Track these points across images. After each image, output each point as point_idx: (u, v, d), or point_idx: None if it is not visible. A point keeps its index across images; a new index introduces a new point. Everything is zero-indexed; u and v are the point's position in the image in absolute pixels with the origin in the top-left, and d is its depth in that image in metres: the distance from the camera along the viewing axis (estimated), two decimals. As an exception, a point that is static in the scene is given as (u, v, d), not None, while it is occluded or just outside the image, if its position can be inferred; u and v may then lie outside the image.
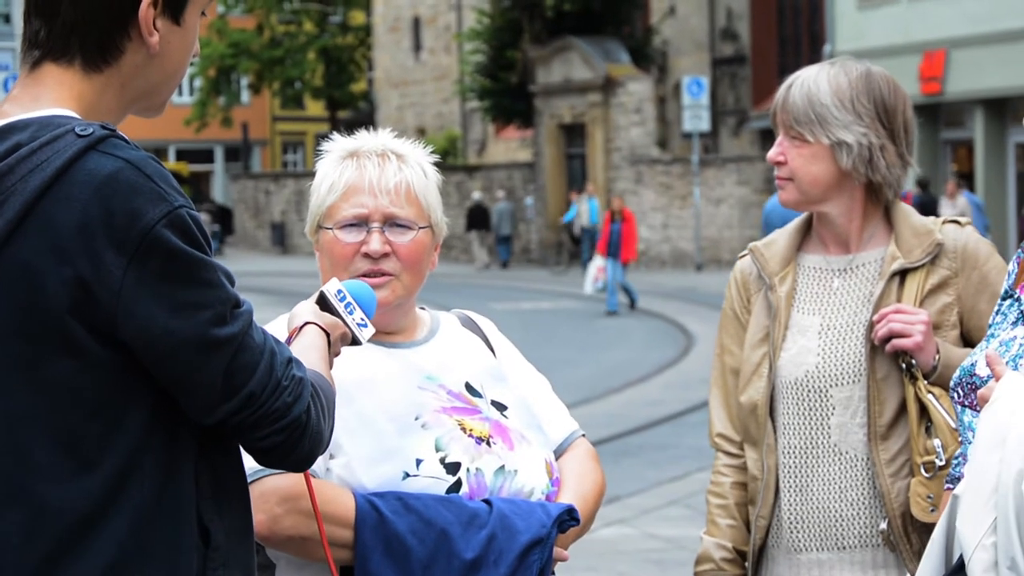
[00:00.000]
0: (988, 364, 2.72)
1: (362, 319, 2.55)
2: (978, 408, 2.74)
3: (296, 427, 2.19)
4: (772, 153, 3.44)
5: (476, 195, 40.67)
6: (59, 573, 2.11)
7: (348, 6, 56.92)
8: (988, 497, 2.52)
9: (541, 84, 39.46)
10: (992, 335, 2.89)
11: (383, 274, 2.88)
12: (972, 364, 2.86)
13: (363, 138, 2.98)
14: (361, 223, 2.90)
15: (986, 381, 2.76)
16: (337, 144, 2.99)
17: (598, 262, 26.57)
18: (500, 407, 2.95)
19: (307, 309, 2.50)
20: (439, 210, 2.98)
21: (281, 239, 49.24)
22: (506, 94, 40.89)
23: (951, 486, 2.98)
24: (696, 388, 16.07)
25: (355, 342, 2.54)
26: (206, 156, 63.82)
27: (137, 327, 2.10)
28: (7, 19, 58.02)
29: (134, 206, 2.08)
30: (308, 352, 2.38)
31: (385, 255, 2.88)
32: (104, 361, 2.12)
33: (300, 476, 2.70)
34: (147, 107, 2.31)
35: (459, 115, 51.79)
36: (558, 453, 3.01)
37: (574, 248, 37.82)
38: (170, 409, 2.17)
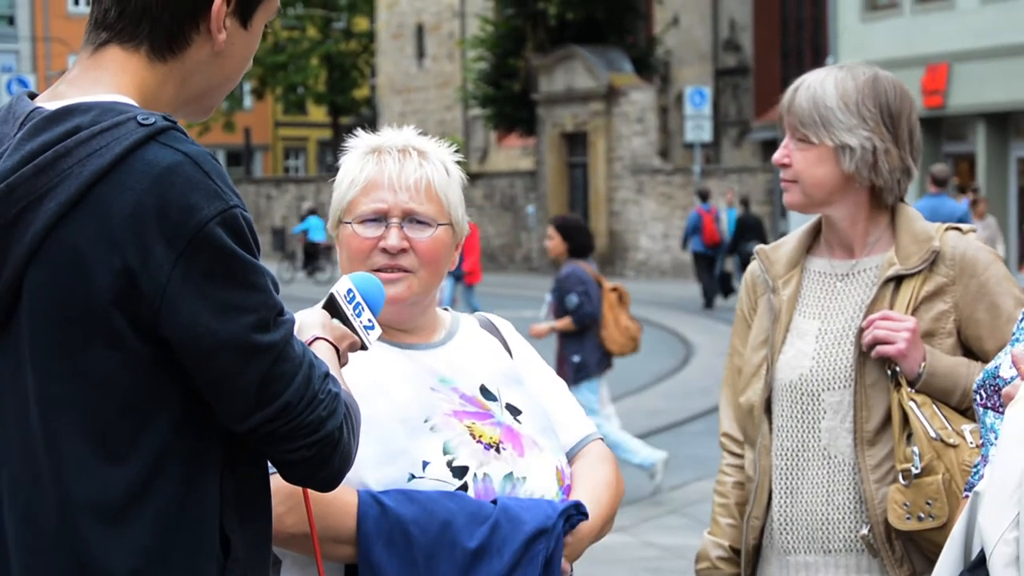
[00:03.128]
0: (1014, 363, 2.72)
1: (369, 320, 2.52)
2: (1002, 409, 2.74)
3: (328, 443, 2.17)
4: (777, 155, 3.45)
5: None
6: (90, 567, 2.10)
7: (352, 12, 56.95)
8: (1012, 492, 2.51)
9: (544, 92, 39.47)
10: (1017, 339, 2.89)
11: (400, 269, 2.88)
12: (996, 367, 2.84)
13: (386, 134, 2.98)
14: (380, 218, 2.89)
15: (1010, 382, 2.76)
16: (361, 140, 2.98)
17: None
18: (514, 411, 2.94)
19: (315, 320, 2.45)
20: (460, 209, 2.97)
21: (282, 244, 49.19)
22: (509, 102, 40.89)
23: (968, 493, 2.98)
24: (696, 398, 16.07)
25: (361, 346, 2.52)
26: (208, 160, 63.80)
27: (179, 324, 2.08)
28: (11, 21, 58.05)
29: (190, 201, 2.07)
30: None
31: (403, 251, 2.87)
32: (141, 357, 2.09)
33: None
34: (198, 109, 2.30)
35: (461, 122, 51.79)
36: (572, 456, 2.99)
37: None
38: (200, 414, 2.14)
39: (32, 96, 2.23)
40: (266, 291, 2.12)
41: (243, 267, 2.10)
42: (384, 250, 2.87)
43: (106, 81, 2.18)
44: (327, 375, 2.19)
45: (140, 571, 2.10)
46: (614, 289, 11.22)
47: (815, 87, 3.40)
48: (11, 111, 2.19)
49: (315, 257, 37.55)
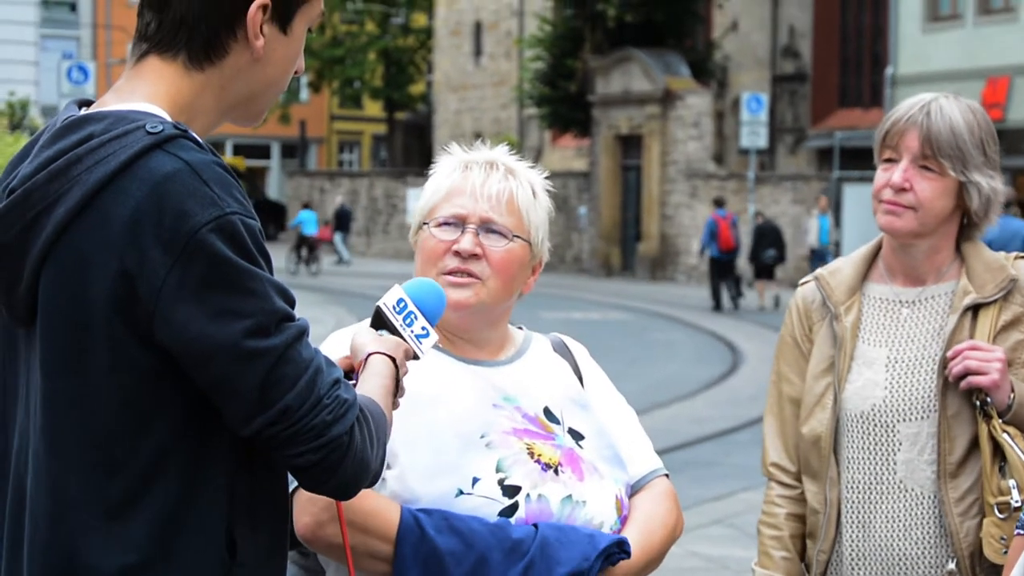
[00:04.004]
0: None
1: (423, 328, 2.50)
2: None
3: (335, 448, 2.15)
4: (897, 178, 3.30)
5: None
6: (80, 565, 2.12)
7: (410, 8, 57.08)
8: None
9: (600, 94, 39.41)
10: None
11: (469, 275, 2.85)
12: None
13: (478, 150, 2.98)
14: (458, 223, 2.88)
15: None
16: (452, 156, 2.98)
17: None
18: (577, 436, 2.89)
19: (365, 339, 2.46)
20: (542, 231, 2.95)
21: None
22: (564, 102, 40.87)
23: (1021, 531, 2.90)
24: (744, 406, 15.98)
25: (414, 356, 2.49)
26: (263, 152, 64.13)
27: (174, 328, 2.10)
28: (73, 8, 58.49)
29: (184, 208, 2.09)
30: (370, 380, 2.35)
31: (475, 256, 2.85)
32: (141, 362, 2.12)
33: None
34: (244, 115, 2.33)
35: (516, 121, 51.79)
36: (636, 489, 2.94)
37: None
38: (204, 419, 2.16)
39: (86, 104, 2.28)
40: (264, 297, 2.13)
41: (239, 273, 2.11)
42: (456, 253, 2.85)
43: (142, 90, 2.23)
44: (337, 381, 2.18)
45: (135, 571, 2.12)
46: None
47: (950, 116, 3.29)
48: (55, 119, 2.26)
49: (312, 249, 38.67)
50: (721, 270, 29.41)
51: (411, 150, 61.83)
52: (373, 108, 61.49)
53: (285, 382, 2.12)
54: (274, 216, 56.24)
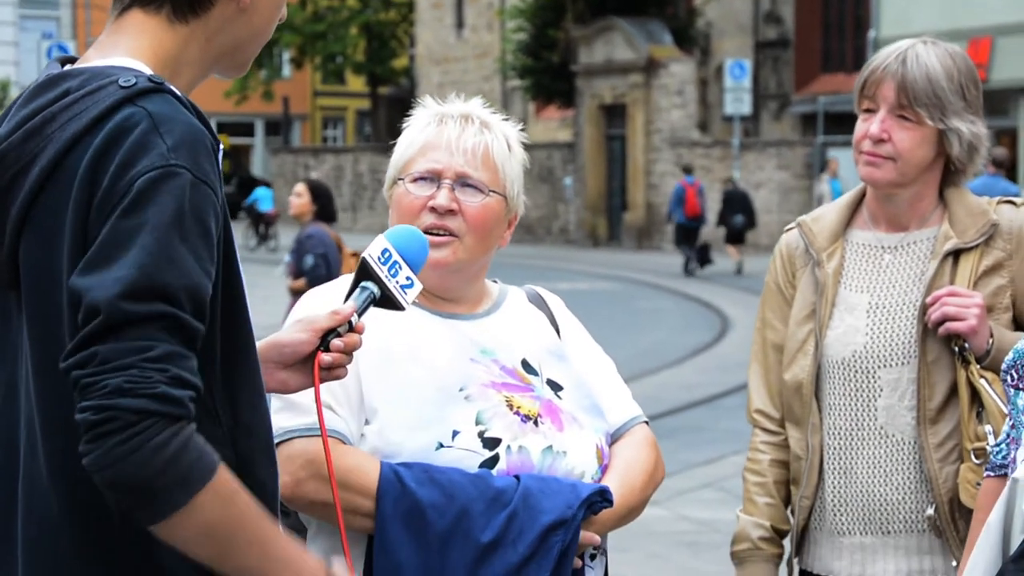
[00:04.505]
0: None
1: (408, 279, 2.48)
2: None
3: (111, 420, 1.95)
4: (875, 129, 3.29)
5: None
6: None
7: (391, -18, 56.88)
8: None
9: (583, 64, 39.35)
10: None
11: (447, 232, 2.84)
12: None
13: (452, 104, 2.96)
14: (433, 178, 2.86)
15: None
16: (426, 109, 2.96)
17: None
18: (555, 387, 2.89)
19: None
20: (517, 185, 2.93)
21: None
22: (547, 73, 40.79)
23: (991, 473, 2.91)
24: (732, 371, 16.01)
25: (397, 307, 2.48)
26: (246, 129, 63.93)
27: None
28: (52, -12, 58.16)
29: (130, 159, 2.02)
30: (262, 523, 2.10)
31: (451, 212, 2.84)
32: None
33: (329, 441, 2.68)
34: (231, 64, 2.28)
35: (500, 93, 51.70)
36: (616, 437, 2.94)
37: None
38: None
39: (70, 61, 2.22)
40: (160, 259, 2.00)
41: (147, 225, 2.00)
42: (432, 209, 2.84)
43: (124, 45, 2.17)
44: (179, 365, 1.99)
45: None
46: (354, 255, 11.26)
47: (926, 63, 3.27)
48: (36, 78, 2.20)
49: (268, 225, 38.80)
50: (687, 235, 30.02)
51: (395, 125, 61.51)
52: (356, 83, 61.30)
53: (118, 338, 1.97)
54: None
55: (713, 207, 32.09)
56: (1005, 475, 2.84)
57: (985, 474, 2.95)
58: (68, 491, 2.07)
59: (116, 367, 1.96)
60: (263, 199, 39.36)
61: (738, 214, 29.73)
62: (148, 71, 2.13)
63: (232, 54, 2.26)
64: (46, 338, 2.08)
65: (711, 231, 31.58)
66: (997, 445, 2.91)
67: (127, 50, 2.16)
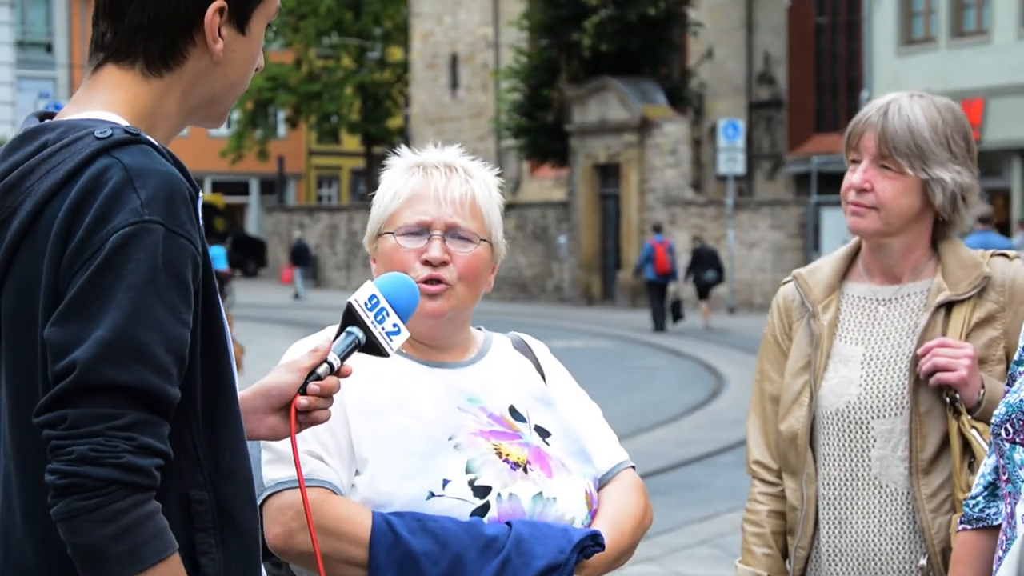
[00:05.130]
0: None
1: (395, 325, 2.46)
2: None
3: (76, 487, 1.99)
4: (857, 179, 3.34)
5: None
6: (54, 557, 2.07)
7: (386, 42, 57.16)
8: None
9: (577, 123, 39.51)
10: None
11: (441, 282, 2.86)
12: (1022, 400, 2.74)
13: (430, 152, 2.98)
14: (423, 231, 2.89)
15: None
16: (404, 157, 2.98)
17: None
18: (543, 433, 2.91)
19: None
20: (499, 229, 2.97)
21: (314, 272, 49.36)
22: (542, 133, 40.92)
23: (967, 526, 2.89)
24: (728, 429, 16.01)
25: (382, 353, 2.46)
26: (241, 188, 64.08)
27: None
28: (49, 48, 58.49)
29: (104, 214, 2.04)
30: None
31: (444, 263, 2.86)
32: None
33: (320, 491, 2.70)
34: (208, 116, 2.29)
35: (494, 153, 51.85)
36: (604, 482, 2.96)
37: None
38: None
39: (48, 116, 2.23)
40: (137, 319, 2.02)
41: (122, 284, 2.03)
42: (427, 262, 2.86)
43: (99, 99, 2.19)
44: (148, 433, 2.02)
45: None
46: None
47: (907, 114, 3.31)
48: (18, 132, 2.22)
49: (223, 283, 39.17)
50: (659, 292, 31.21)
51: (390, 183, 61.62)
52: (351, 143, 61.50)
53: (89, 403, 2.00)
54: (254, 253, 56.22)
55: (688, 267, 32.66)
56: (984, 527, 2.84)
57: (960, 527, 2.92)
58: (41, 541, 2.07)
59: (84, 433, 1.99)
60: (217, 258, 39.67)
61: (709, 269, 31.15)
62: (124, 123, 2.14)
63: (208, 106, 2.27)
64: (23, 389, 2.09)
65: (681, 287, 32.87)
66: (973, 498, 2.88)
67: (103, 104, 2.18)
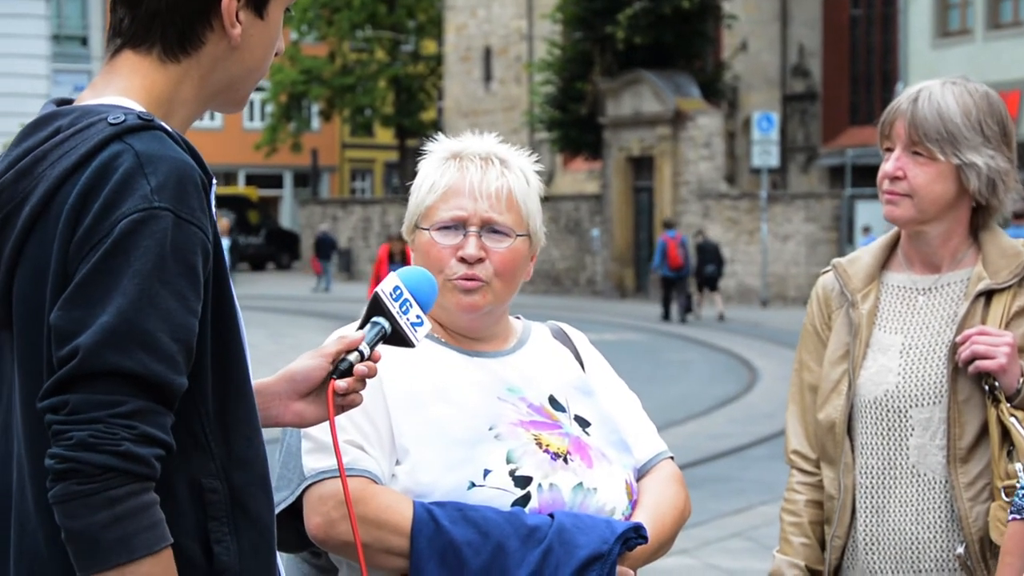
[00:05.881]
0: None
1: (418, 317, 2.48)
2: None
3: (76, 472, 1.98)
4: (890, 167, 3.34)
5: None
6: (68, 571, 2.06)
7: (420, 35, 57.21)
8: None
9: (610, 116, 39.47)
10: None
11: (476, 279, 2.84)
12: None
13: (467, 140, 2.94)
14: (458, 226, 2.86)
15: None
16: (441, 145, 2.95)
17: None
18: (583, 423, 2.90)
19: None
20: (538, 218, 2.94)
21: (347, 265, 49.44)
22: (575, 126, 40.91)
23: (1017, 516, 2.91)
24: (761, 422, 15.98)
25: (408, 343, 2.47)
26: (275, 181, 64.24)
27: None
28: (84, 42, 58.79)
29: (113, 199, 2.03)
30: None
31: (480, 260, 2.84)
32: None
33: (360, 480, 2.69)
34: (227, 101, 2.28)
35: (527, 146, 51.72)
36: (643, 473, 2.94)
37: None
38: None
39: (66, 102, 2.22)
40: (143, 305, 2.01)
41: (129, 269, 2.02)
42: (462, 259, 2.84)
43: (116, 84, 2.18)
44: (149, 422, 2.00)
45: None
46: None
47: (938, 100, 3.31)
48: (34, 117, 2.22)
49: None
50: (671, 286, 32.07)
51: (423, 176, 61.68)
52: (384, 135, 61.58)
53: (90, 389, 1.99)
54: (288, 245, 56.35)
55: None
56: None
57: (1011, 517, 2.94)
58: (54, 529, 2.06)
59: (84, 419, 1.98)
60: None
61: (710, 264, 32.22)
62: (140, 108, 2.13)
63: (227, 91, 2.26)
64: (33, 374, 2.08)
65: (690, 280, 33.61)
66: (1023, 487, 2.90)
67: (119, 89, 2.17)
